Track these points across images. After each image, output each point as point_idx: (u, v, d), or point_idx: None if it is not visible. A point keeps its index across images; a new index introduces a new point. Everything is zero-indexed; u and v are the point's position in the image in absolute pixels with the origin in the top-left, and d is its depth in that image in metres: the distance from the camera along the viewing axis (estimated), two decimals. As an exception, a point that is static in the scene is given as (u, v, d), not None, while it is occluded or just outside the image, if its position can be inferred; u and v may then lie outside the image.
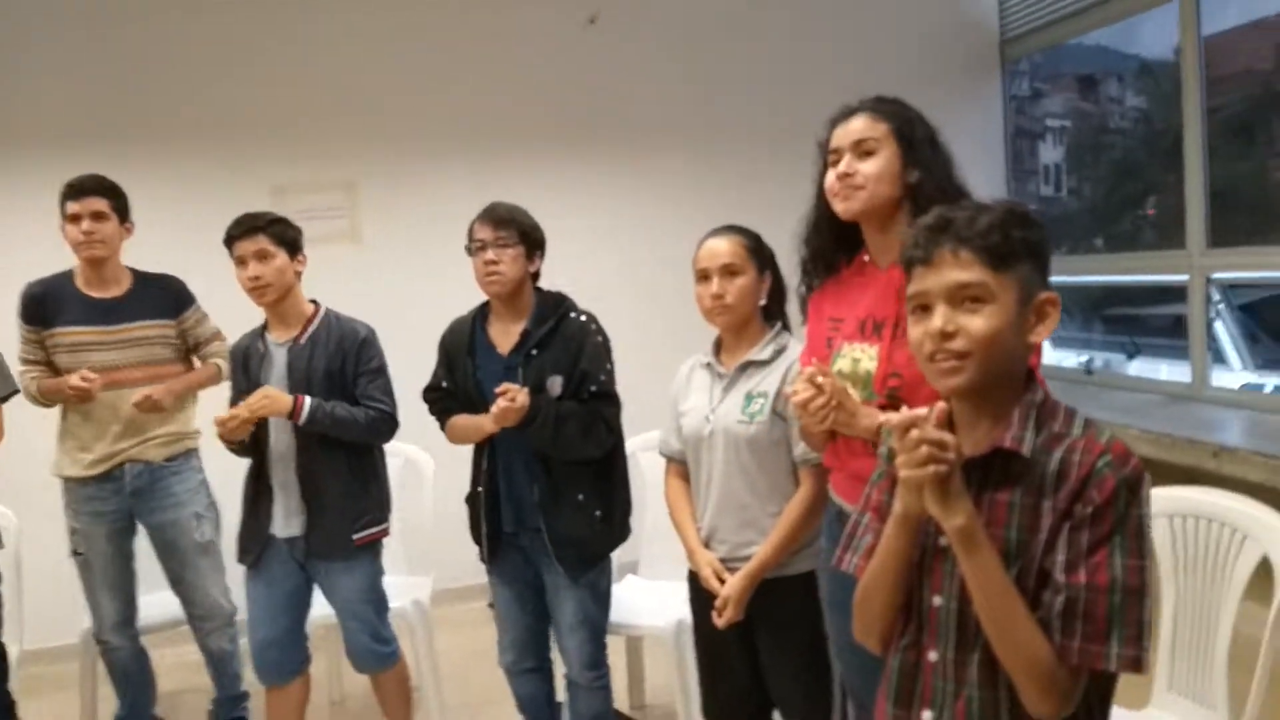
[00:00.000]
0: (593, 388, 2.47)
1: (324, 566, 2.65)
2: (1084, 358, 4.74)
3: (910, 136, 1.81)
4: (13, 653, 2.67)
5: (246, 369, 2.65)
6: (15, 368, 2.81)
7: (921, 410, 1.18)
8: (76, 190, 2.82)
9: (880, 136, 1.80)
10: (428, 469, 3.31)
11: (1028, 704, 1.18)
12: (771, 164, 4.51)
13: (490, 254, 2.45)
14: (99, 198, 2.82)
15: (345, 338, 2.62)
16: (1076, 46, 4.91)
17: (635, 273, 4.46)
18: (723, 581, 2.17)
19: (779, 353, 2.22)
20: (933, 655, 1.28)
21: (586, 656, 2.56)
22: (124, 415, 2.82)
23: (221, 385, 2.91)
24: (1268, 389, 3.91)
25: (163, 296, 2.96)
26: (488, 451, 2.55)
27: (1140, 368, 4.72)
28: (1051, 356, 4.80)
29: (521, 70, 4.38)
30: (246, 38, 4.08)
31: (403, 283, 4.17)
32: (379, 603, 2.74)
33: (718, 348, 2.30)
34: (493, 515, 2.54)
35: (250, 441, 2.60)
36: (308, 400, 2.51)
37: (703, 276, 2.21)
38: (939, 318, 1.21)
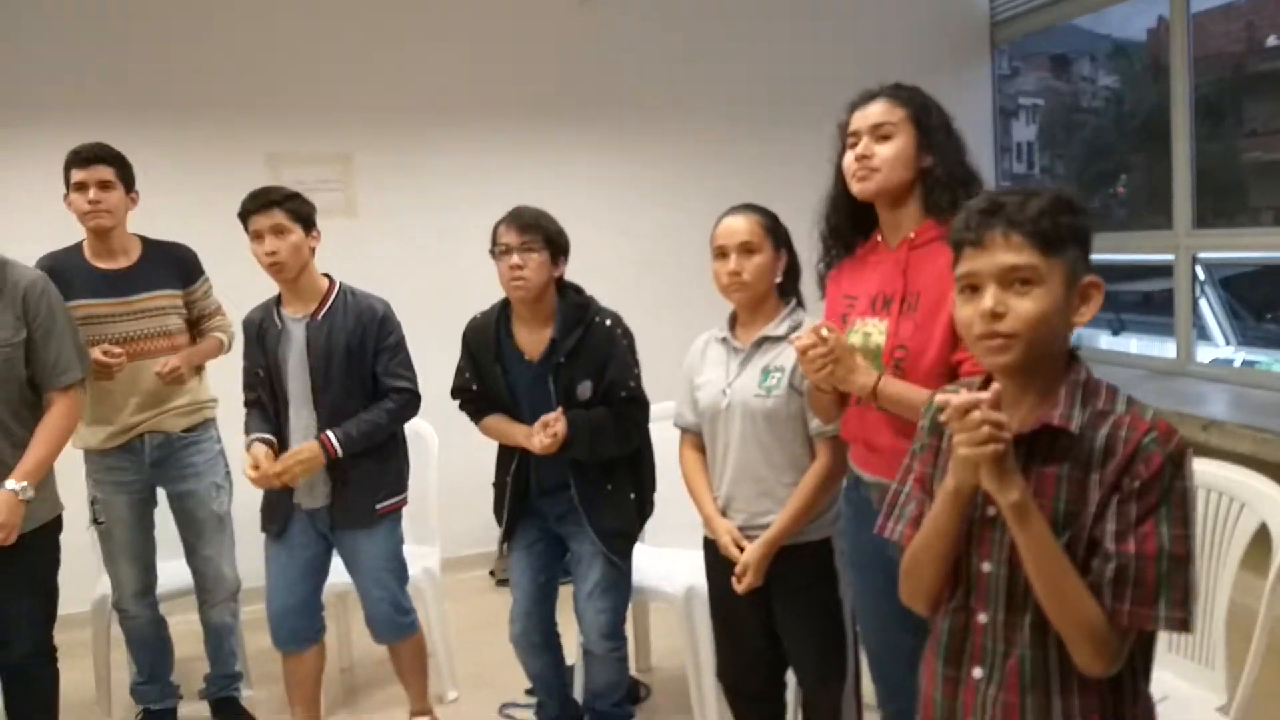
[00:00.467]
0: (622, 394, 2.54)
1: (348, 536, 2.69)
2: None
3: (926, 123, 1.89)
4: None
5: (263, 343, 2.66)
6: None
7: (983, 394, 1.23)
8: (83, 159, 2.77)
9: (897, 121, 1.88)
10: (432, 442, 3.36)
11: (1080, 663, 1.25)
12: (767, 142, 4.59)
13: (515, 258, 2.46)
14: (105, 166, 2.77)
15: (363, 314, 2.64)
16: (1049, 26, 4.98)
17: (634, 247, 4.51)
18: (741, 549, 2.24)
19: (794, 328, 2.26)
20: (982, 617, 1.34)
21: (605, 625, 2.61)
22: (143, 387, 2.81)
23: (232, 356, 2.91)
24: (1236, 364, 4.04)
25: (174, 266, 2.93)
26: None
27: (1112, 342, 4.84)
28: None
29: (517, 45, 4.37)
30: (242, 8, 4.04)
31: (397, 258, 4.18)
32: (399, 570, 2.79)
33: (733, 323, 2.35)
34: (519, 501, 2.63)
35: (271, 415, 2.65)
36: (333, 436, 2.56)
37: (720, 254, 2.25)
38: (989, 298, 1.25)
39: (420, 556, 3.22)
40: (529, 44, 4.39)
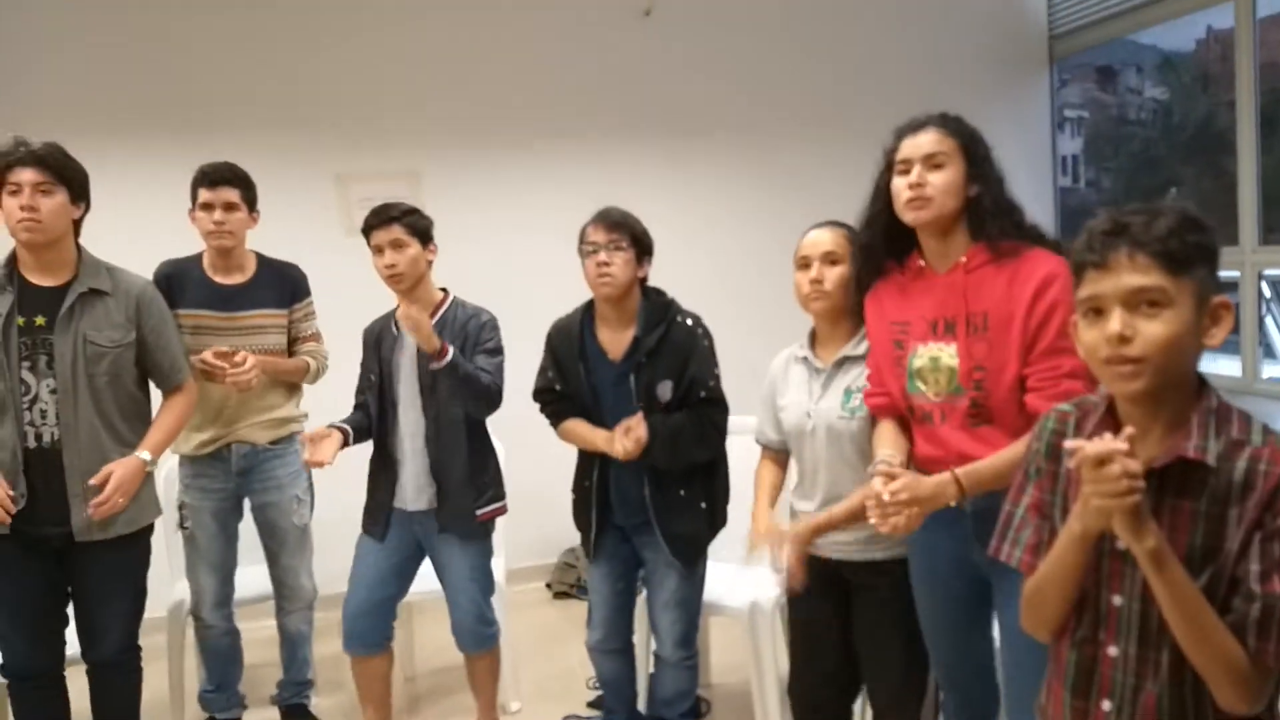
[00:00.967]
0: (701, 393, 2.56)
1: (445, 543, 2.73)
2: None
3: (974, 153, 1.95)
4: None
5: (379, 350, 2.75)
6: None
7: (1118, 443, 1.18)
8: (210, 180, 2.83)
9: (949, 151, 1.93)
10: (500, 455, 3.36)
11: (1223, 702, 1.23)
12: (823, 160, 4.54)
13: (603, 256, 2.52)
14: (231, 188, 2.84)
15: (469, 323, 2.71)
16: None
17: (703, 263, 4.46)
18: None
19: None
20: (1113, 650, 1.32)
21: (679, 634, 2.63)
22: (236, 398, 2.86)
23: (344, 371, 2.94)
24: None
25: (281, 284, 2.99)
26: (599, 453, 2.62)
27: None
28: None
29: (583, 61, 4.40)
30: (311, 30, 4.09)
31: (464, 273, 4.17)
32: (486, 582, 2.82)
33: (812, 340, 2.36)
34: (603, 509, 2.65)
35: (372, 420, 2.73)
36: (451, 348, 2.57)
37: (804, 264, 2.27)
38: (1116, 321, 1.21)
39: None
40: (593, 59, 4.42)
